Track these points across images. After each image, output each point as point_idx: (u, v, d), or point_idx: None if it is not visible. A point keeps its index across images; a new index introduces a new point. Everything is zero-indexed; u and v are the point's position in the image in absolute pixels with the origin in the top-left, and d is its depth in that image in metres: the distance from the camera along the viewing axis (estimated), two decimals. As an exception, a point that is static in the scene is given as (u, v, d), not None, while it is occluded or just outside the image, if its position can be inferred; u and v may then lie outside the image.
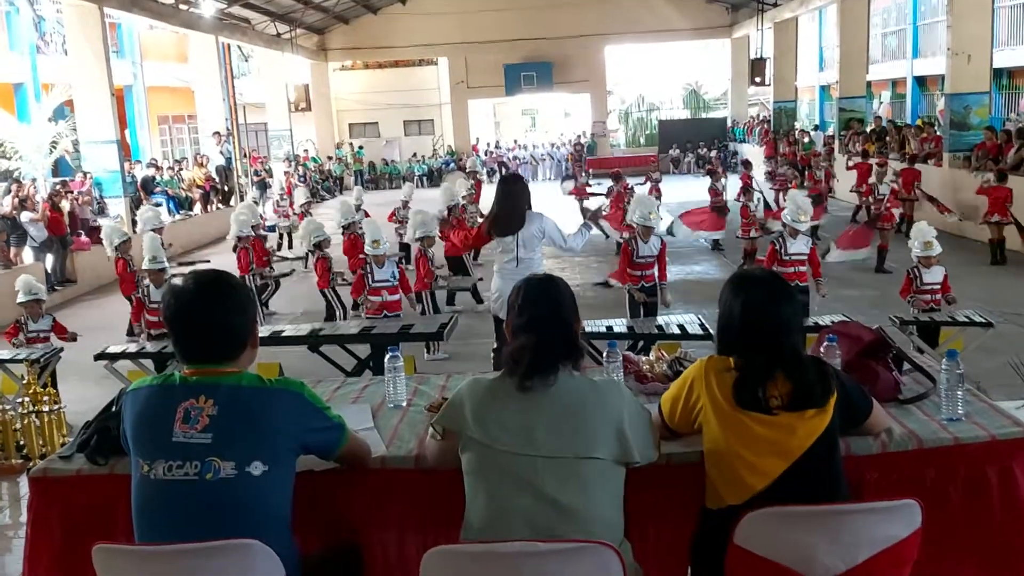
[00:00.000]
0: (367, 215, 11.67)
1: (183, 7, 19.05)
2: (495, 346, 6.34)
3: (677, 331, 6.27)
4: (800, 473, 2.33)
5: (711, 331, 6.16)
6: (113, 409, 2.79)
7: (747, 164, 15.16)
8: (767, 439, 2.34)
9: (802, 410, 2.36)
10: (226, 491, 2.17)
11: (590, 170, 24.51)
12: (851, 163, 16.97)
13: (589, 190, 16.59)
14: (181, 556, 2.08)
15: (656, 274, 7.50)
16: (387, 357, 3.23)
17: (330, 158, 30.32)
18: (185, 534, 2.11)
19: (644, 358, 3.35)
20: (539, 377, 2.31)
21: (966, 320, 6.57)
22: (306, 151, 29.20)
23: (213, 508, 2.16)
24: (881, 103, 27.32)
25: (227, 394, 2.25)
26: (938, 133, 17.01)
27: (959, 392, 2.75)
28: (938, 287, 6.91)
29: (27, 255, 12.62)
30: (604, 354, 3.13)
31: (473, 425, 2.32)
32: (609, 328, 6.35)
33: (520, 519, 2.20)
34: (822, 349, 2.83)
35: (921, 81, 24.69)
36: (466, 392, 2.40)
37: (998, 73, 17.81)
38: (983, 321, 6.49)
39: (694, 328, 6.29)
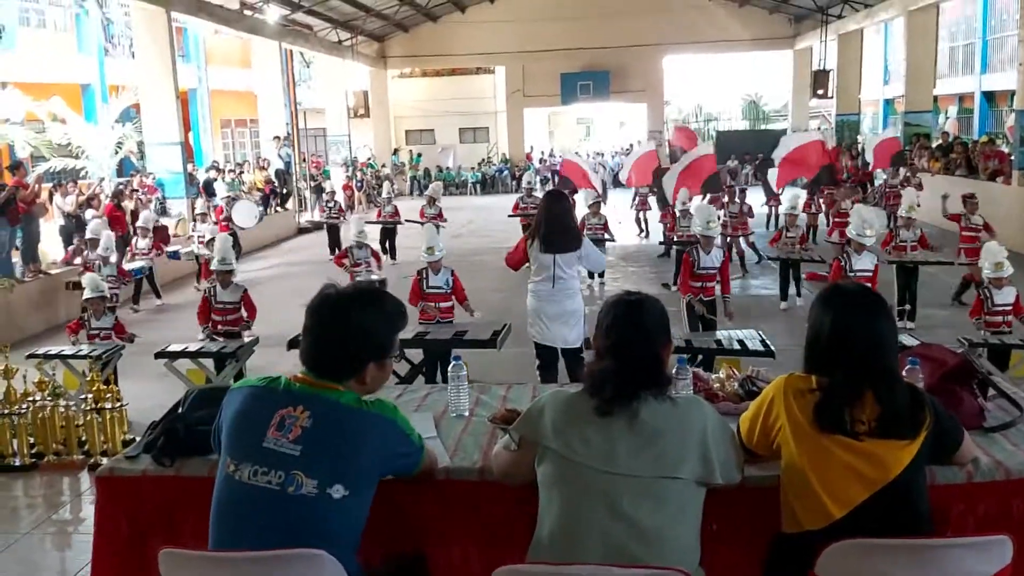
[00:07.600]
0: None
1: (248, 13, 19.39)
2: (537, 363, 6.23)
3: (737, 347, 6.14)
4: (883, 502, 2.22)
5: (771, 347, 6.03)
6: (180, 411, 2.79)
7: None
8: (850, 466, 2.24)
9: (890, 438, 2.24)
10: (304, 508, 2.14)
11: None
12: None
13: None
14: (248, 564, 2.05)
15: (717, 288, 7.38)
16: (450, 366, 3.19)
17: (388, 166, 30.51)
18: (257, 542, 2.09)
19: (714, 376, 3.25)
20: (620, 404, 2.24)
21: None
22: (366, 157, 29.41)
23: (288, 522, 2.13)
24: (947, 118, 26.71)
25: (323, 409, 2.22)
26: (1002, 149, 16.53)
27: (1050, 422, 2.62)
28: (1010, 308, 6.69)
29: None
30: (673, 371, 3.04)
31: (553, 436, 2.26)
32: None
33: (595, 536, 2.13)
34: (904, 372, 2.71)
35: (989, 96, 24.08)
36: (548, 402, 2.34)
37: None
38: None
39: (754, 344, 6.13)
